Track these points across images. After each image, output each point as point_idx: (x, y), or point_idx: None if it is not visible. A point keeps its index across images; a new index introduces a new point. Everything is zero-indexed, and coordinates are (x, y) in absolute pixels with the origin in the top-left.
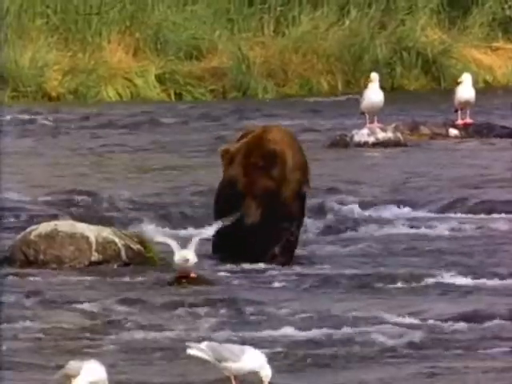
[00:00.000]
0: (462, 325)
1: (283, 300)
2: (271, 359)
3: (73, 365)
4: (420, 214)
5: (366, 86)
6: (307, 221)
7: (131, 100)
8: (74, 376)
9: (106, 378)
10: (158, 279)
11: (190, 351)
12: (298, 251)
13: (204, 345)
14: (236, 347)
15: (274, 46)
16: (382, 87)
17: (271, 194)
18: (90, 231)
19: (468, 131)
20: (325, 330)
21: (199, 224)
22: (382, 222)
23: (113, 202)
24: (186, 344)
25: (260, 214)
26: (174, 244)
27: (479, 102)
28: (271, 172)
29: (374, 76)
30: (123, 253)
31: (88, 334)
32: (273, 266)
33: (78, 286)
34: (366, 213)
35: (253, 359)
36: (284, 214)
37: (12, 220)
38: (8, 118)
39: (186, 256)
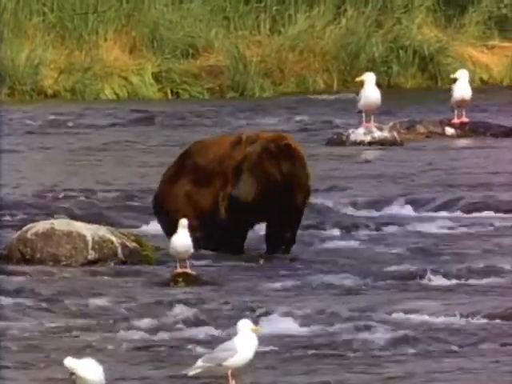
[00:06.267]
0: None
1: (285, 297)
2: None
3: (70, 361)
4: (420, 212)
5: (362, 85)
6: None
7: (128, 99)
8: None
9: (103, 375)
10: (154, 278)
11: (190, 373)
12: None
13: (198, 361)
14: (225, 343)
15: (271, 44)
16: (379, 85)
17: None
18: (87, 230)
19: (464, 130)
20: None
21: None
22: (383, 220)
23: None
24: (183, 373)
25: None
26: None
27: (475, 100)
28: None
29: (368, 76)
30: (120, 251)
31: (84, 333)
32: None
33: (74, 284)
34: (366, 211)
35: (247, 344)
36: None
37: (8, 218)
38: (5, 116)
39: None
